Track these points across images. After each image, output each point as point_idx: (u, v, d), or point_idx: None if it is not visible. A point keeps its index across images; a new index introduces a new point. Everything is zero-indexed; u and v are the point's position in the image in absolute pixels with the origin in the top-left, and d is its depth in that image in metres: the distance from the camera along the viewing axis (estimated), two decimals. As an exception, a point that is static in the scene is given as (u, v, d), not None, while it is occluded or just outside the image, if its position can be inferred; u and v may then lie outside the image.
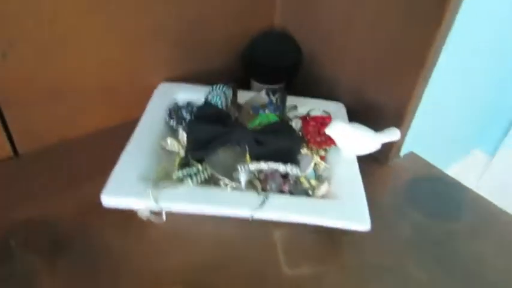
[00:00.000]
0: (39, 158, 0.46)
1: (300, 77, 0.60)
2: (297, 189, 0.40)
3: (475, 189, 0.50)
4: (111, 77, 0.48)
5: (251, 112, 0.46)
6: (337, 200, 0.39)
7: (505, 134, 1.24)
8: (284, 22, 0.60)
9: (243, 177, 0.38)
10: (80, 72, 0.46)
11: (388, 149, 0.49)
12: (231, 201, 0.37)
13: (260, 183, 0.39)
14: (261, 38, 0.56)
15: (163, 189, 0.37)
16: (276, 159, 0.39)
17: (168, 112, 0.46)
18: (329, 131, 0.43)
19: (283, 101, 0.45)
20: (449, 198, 0.48)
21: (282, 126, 0.41)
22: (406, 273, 0.38)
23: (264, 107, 0.47)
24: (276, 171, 0.38)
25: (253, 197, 0.37)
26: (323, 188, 0.40)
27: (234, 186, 0.38)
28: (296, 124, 0.46)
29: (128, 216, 0.37)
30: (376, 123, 0.49)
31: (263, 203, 0.37)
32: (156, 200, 0.36)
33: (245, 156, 0.41)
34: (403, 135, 0.51)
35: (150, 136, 0.43)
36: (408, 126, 0.50)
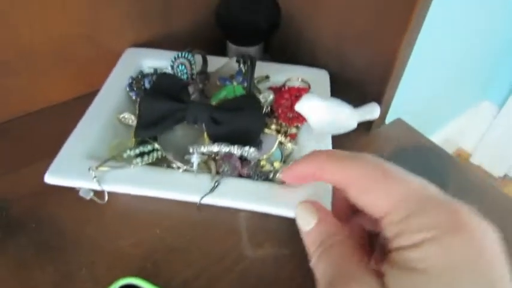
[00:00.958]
0: None
1: (279, 38, 0.54)
2: (256, 172, 0.37)
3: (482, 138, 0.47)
4: (69, 46, 0.45)
5: (218, 83, 0.42)
6: (293, 187, 0.35)
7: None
8: None
9: (195, 160, 0.35)
10: (31, 42, 0.42)
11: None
12: (178, 185, 0.34)
13: (216, 166, 0.36)
14: None
15: (109, 169, 0.35)
16: (233, 139, 0.35)
17: (129, 82, 0.43)
18: (299, 107, 0.39)
19: (252, 71, 0.40)
20: (433, 170, 0.44)
21: (244, 102, 0.37)
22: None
23: (232, 77, 0.42)
24: (231, 153, 0.35)
25: (204, 180, 0.35)
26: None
27: (185, 168, 0.35)
28: (267, 97, 0.42)
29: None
30: (359, 89, 0.46)
31: (213, 188, 0.34)
32: (98, 181, 0.34)
33: (203, 135, 0.38)
34: (388, 102, 0.46)
35: (107, 109, 0.41)
36: (393, 93, 0.45)
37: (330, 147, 0.39)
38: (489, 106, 1.38)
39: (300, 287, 0.34)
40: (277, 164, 0.38)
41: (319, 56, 0.50)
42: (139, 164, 0.36)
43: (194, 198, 0.34)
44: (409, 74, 0.47)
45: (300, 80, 0.46)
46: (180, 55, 0.42)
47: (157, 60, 0.46)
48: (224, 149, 0.34)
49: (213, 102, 0.41)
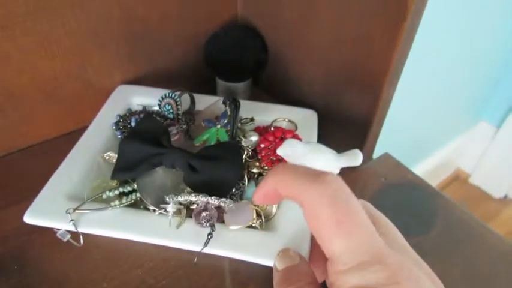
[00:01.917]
0: None
1: (267, 74, 0.55)
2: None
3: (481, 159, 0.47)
4: (59, 85, 0.46)
5: (203, 124, 0.43)
6: (273, 233, 0.35)
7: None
8: (248, 14, 0.54)
9: (170, 209, 0.34)
10: (20, 83, 0.43)
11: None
12: (153, 230, 0.34)
13: (185, 212, 0.36)
14: (223, 32, 0.50)
15: (87, 211, 0.35)
16: (209, 188, 0.35)
17: (116, 120, 0.44)
18: (281, 151, 0.38)
19: (236, 115, 0.40)
20: (420, 206, 0.44)
21: (223, 151, 0.37)
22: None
23: (217, 118, 0.43)
24: (208, 203, 0.35)
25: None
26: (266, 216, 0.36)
27: (160, 212, 0.35)
28: (251, 140, 0.42)
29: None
30: (345, 126, 0.47)
31: (207, 242, 0.33)
32: (74, 225, 0.34)
33: (182, 179, 0.38)
34: (374, 139, 0.46)
35: (93, 147, 0.41)
36: (378, 130, 0.45)
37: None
38: (487, 127, 1.40)
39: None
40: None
41: (306, 93, 0.51)
42: (117, 206, 0.36)
43: (169, 243, 0.34)
44: (404, 97, 0.47)
45: (286, 120, 0.46)
46: (167, 95, 0.43)
47: (147, 98, 0.47)
48: (202, 199, 0.34)
49: (196, 144, 0.41)
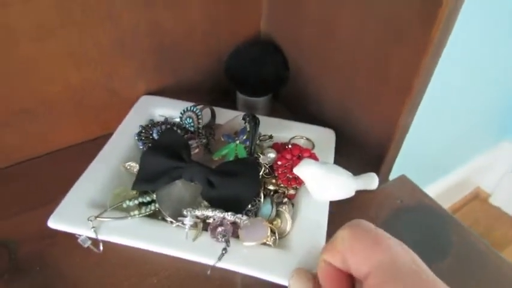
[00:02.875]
0: (7, 177, 0.46)
1: (287, 90, 0.55)
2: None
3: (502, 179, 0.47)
4: (87, 94, 0.47)
5: (222, 139, 0.44)
6: (287, 251, 0.36)
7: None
8: (270, 31, 0.55)
9: (187, 222, 0.35)
10: (52, 92, 0.45)
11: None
12: (169, 241, 0.35)
13: (202, 226, 0.37)
14: (244, 48, 0.51)
15: (108, 219, 0.37)
16: (225, 203, 0.36)
17: (139, 131, 0.45)
18: (297, 171, 0.39)
19: (255, 132, 0.41)
20: (434, 232, 0.44)
21: (241, 167, 0.38)
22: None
23: (236, 134, 0.43)
24: (224, 218, 0.36)
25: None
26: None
27: (178, 224, 0.36)
28: (269, 157, 0.42)
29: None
30: (363, 147, 0.47)
31: (221, 257, 0.34)
32: (95, 232, 0.35)
33: (199, 193, 0.39)
34: (391, 162, 0.45)
35: (115, 157, 0.43)
36: (395, 154, 0.45)
37: (326, 210, 0.39)
38: (509, 146, 1.36)
39: None
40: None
41: (325, 110, 0.51)
42: (136, 216, 0.37)
43: (184, 255, 0.35)
44: (425, 117, 0.46)
45: (304, 138, 0.46)
46: (188, 108, 0.44)
47: (168, 109, 0.48)
48: (218, 214, 0.35)
49: (215, 158, 0.42)
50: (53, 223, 0.37)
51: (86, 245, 0.37)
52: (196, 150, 0.42)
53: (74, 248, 0.38)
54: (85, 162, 0.42)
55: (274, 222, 0.39)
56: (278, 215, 0.40)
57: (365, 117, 0.46)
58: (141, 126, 0.46)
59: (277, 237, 0.37)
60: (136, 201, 0.39)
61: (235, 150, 0.42)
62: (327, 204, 0.40)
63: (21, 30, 0.40)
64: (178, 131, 0.44)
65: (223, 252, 0.34)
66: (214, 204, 0.36)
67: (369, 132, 0.46)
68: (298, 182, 0.41)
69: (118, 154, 0.43)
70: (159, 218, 0.38)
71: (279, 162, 0.42)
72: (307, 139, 0.46)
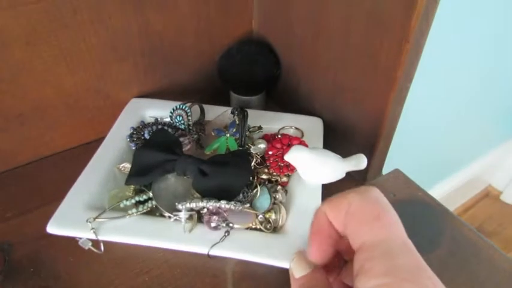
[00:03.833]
0: (2, 182, 0.47)
1: (279, 87, 0.56)
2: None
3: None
4: (79, 98, 0.48)
5: (213, 133, 0.44)
6: (284, 236, 0.37)
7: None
8: (262, 30, 0.56)
9: (182, 216, 0.36)
10: (44, 96, 0.46)
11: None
12: (168, 235, 0.36)
13: (197, 217, 0.37)
14: (236, 48, 0.52)
15: (106, 219, 0.37)
16: (218, 192, 0.37)
17: (130, 132, 0.46)
18: (288, 157, 0.40)
19: (244, 124, 0.42)
20: (427, 225, 0.44)
21: (233, 158, 0.39)
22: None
23: (226, 128, 0.44)
24: (219, 207, 0.36)
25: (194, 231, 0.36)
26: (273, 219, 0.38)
27: (175, 218, 0.37)
28: (259, 147, 0.43)
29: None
30: (354, 140, 0.47)
31: (223, 238, 0.35)
32: (95, 233, 0.36)
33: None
34: (383, 153, 0.46)
35: (108, 159, 0.43)
36: (387, 145, 0.45)
37: (319, 194, 0.40)
38: None
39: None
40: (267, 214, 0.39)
41: (316, 106, 0.52)
42: (134, 214, 0.38)
43: (184, 247, 0.36)
44: (431, 111, 0.46)
45: (293, 128, 0.47)
46: (178, 107, 0.45)
47: (158, 110, 0.49)
48: (212, 204, 0.36)
49: (207, 152, 0.43)
50: (52, 228, 0.37)
51: (87, 247, 0.38)
52: (188, 147, 0.43)
53: (68, 249, 0.39)
54: (79, 165, 0.42)
55: (269, 214, 0.39)
56: (273, 208, 0.40)
57: (355, 112, 0.46)
58: (133, 128, 0.46)
59: (272, 224, 0.38)
60: (133, 201, 0.39)
61: (226, 143, 0.43)
62: (319, 188, 0.41)
63: (13, 35, 0.41)
64: (169, 130, 0.45)
65: (226, 234, 0.35)
66: (206, 194, 0.37)
67: (359, 125, 0.46)
68: (290, 169, 0.42)
69: (111, 156, 0.44)
70: (157, 214, 0.39)
71: (270, 152, 0.43)
72: (296, 128, 0.47)
